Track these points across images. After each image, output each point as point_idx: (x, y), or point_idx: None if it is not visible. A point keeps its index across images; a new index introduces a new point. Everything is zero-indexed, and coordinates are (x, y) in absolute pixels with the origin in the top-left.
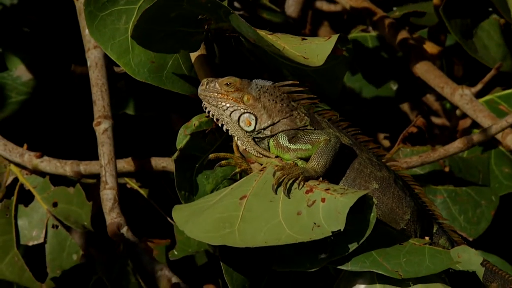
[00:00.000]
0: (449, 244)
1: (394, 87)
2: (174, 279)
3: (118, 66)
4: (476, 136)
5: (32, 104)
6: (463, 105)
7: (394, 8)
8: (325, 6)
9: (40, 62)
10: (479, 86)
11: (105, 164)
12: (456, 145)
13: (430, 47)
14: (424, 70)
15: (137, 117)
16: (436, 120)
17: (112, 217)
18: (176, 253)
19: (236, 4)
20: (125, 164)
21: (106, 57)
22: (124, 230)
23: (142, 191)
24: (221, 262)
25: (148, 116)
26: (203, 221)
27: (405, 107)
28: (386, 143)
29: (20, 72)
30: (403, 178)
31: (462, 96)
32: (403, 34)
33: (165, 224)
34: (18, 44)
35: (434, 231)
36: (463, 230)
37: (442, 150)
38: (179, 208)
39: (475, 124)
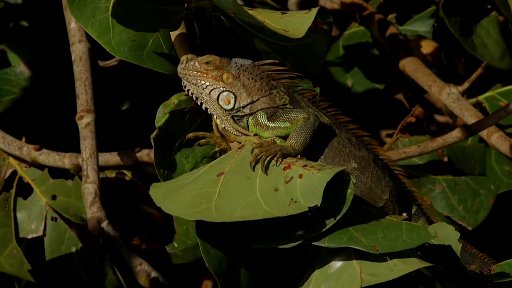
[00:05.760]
0: (427, 225)
1: (395, 81)
2: (153, 274)
3: (103, 60)
4: (475, 126)
5: (31, 97)
6: (450, 104)
7: None
8: (329, 4)
9: (38, 56)
10: (466, 85)
11: (87, 158)
12: (454, 135)
13: (427, 45)
14: (412, 69)
15: (130, 111)
16: (439, 118)
17: (93, 211)
18: (175, 245)
19: (238, 1)
20: (123, 157)
21: (90, 52)
22: (105, 224)
23: (140, 184)
24: (198, 239)
25: (140, 109)
26: (180, 197)
27: (406, 102)
28: (387, 139)
29: (23, 68)
30: (383, 159)
31: (449, 95)
32: (391, 31)
33: (165, 216)
34: (19, 39)
35: (413, 212)
36: (462, 220)
37: (441, 140)
38: (157, 185)
39: None
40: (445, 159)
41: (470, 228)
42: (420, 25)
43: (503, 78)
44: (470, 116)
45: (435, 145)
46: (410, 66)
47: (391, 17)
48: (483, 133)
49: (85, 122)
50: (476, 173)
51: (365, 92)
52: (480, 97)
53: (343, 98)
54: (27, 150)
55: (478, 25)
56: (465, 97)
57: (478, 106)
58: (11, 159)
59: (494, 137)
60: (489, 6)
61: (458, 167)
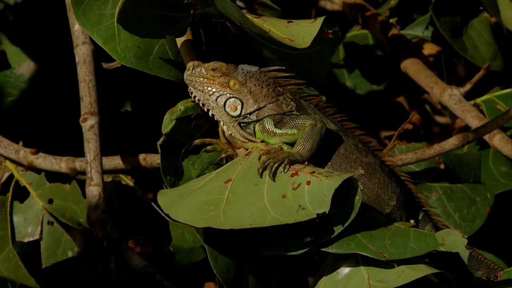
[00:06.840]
0: (434, 231)
1: (395, 83)
2: (158, 277)
3: (107, 62)
4: (472, 133)
5: (30, 100)
6: (452, 105)
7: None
8: (329, 5)
9: (41, 58)
10: (467, 86)
11: (91, 161)
12: (451, 142)
13: (430, 48)
14: (414, 70)
15: (137, 115)
16: (439, 119)
17: (97, 214)
18: (171, 249)
19: (239, 3)
20: (120, 161)
21: (94, 54)
22: (109, 227)
23: (137, 188)
24: (205, 245)
25: (147, 114)
26: (188, 204)
27: (406, 104)
28: (386, 141)
29: (23, 70)
30: (389, 165)
31: (451, 96)
32: (393, 32)
33: (161, 220)
34: (22, 41)
35: (420, 218)
36: (458, 227)
37: (437, 147)
38: (164, 192)
39: None
40: (442, 166)
41: (466, 236)
42: (420, 30)
43: (501, 81)
44: (472, 118)
45: (431, 152)
46: (411, 67)
47: (392, 21)
48: (485, 136)
49: (89, 124)
50: (471, 181)
51: (366, 94)
52: (478, 100)
53: (343, 100)
54: (24, 154)
55: (469, 26)
56: None
57: (476, 108)
58: (7, 163)
59: (496, 139)
60: (480, 8)
61: (455, 175)
